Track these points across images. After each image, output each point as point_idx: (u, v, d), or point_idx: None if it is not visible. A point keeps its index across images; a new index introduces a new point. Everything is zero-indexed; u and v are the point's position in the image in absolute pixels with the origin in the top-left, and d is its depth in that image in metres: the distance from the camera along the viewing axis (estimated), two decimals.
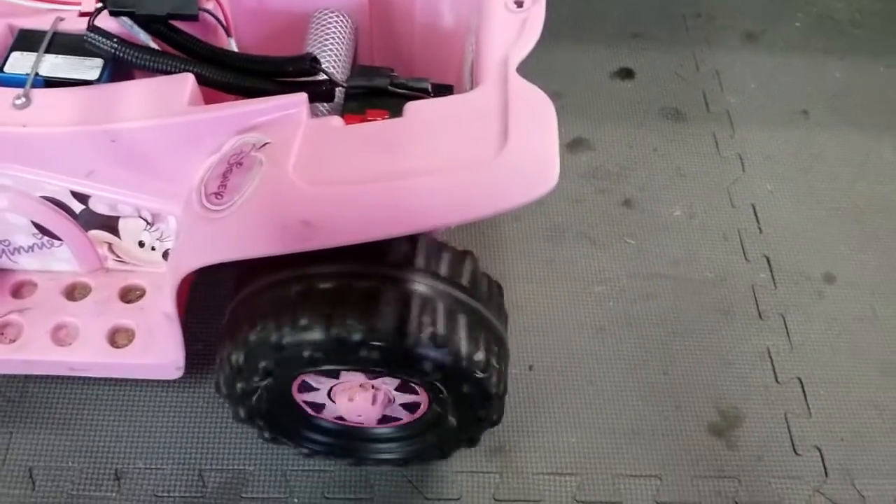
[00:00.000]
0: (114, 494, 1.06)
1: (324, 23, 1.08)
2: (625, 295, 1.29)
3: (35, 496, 1.05)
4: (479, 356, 0.84)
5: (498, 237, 1.33)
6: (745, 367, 1.23)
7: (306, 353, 0.82)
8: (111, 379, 1.12)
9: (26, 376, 1.13)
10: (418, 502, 1.08)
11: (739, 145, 1.50)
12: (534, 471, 1.11)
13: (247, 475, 1.08)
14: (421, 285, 0.83)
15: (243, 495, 1.07)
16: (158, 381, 1.13)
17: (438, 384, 0.86)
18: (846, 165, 1.49)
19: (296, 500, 1.07)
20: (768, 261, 1.35)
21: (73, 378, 1.13)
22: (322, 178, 0.78)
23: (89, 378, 1.12)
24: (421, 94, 0.98)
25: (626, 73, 1.59)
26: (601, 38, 1.63)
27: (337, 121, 0.87)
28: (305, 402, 0.99)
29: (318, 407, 0.99)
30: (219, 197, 0.81)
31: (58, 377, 1.12)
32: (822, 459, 1.15)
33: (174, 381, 1.12)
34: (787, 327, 1.28)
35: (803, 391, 1.21)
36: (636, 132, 1.49)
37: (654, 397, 1.19)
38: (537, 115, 0.81)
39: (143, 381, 1.13)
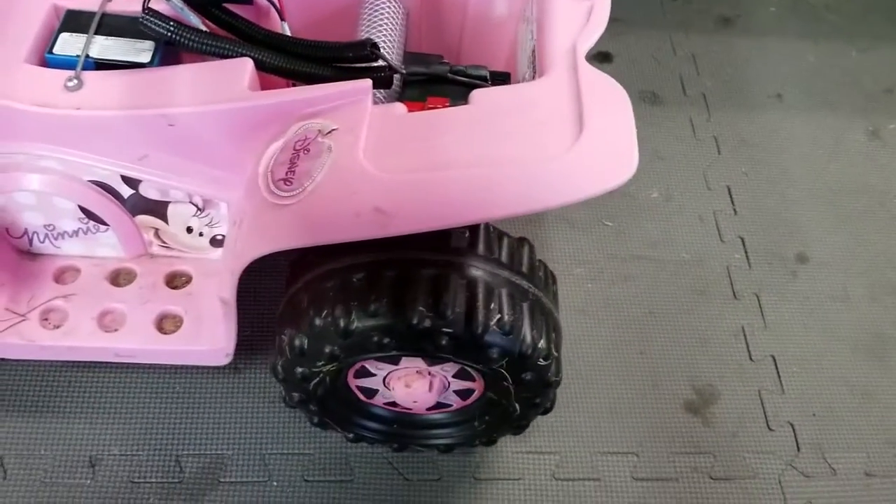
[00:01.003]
0: (88, 481, 1.05)
1: (376, 8, 1.06)
2: (603, 276, 1.30)
3: (7, 485, 1.04)
4: (543, 344, 0.84)
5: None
6: (720, 345, 1.24)
7: (374, 339, 0.81)
8: (83, 364, 1.11)
9: None
10: (399, 483, 1.08)
11: (715, 128, 1.51)
12: (514, 449, 1.11)
13: (225, 459, 1.08)
14: (484, 272, 0.83)
15: (221, 480, 1.06)
16: (131, 366, 1.12)
17: (502, 371, 0.86)
18: (819, 148, 1.51)
19: (275, 484, 1.06)
20: (743, 242, 1.37)
21: (44, 363, 1.11)
22: (394, 165, 0.77)
23: (60, 363, 1.11)
24: (480, 81, 0.97)
25: (605, 57, 1.59)
26: None
27: (401, 108, 0.85)
28: (359, 388, 0.98)
29: (371, 392, 0.99)
30: (288, 183, 0.79)
31: (23, 363, 1.11)
32: (795, 434, 1.17)
33: (149, 366, 1.12)
34: (761, 306, 1.29)
35: (777, 369, 1.23)
36: None
37: (632, 376, 1.20)
38: (612, 103, 0.79)
39: (116, 365, 1.11)
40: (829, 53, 1.67)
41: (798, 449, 1.16)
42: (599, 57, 1.58)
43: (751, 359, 1.23)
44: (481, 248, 0.85)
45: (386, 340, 0.82)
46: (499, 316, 0.81)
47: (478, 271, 0.83)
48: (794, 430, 1.17)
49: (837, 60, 1.66)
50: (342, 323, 0.80)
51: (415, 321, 0.79)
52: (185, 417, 1.11)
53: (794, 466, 1.14)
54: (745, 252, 1.35)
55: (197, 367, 1.11)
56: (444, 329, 0.80)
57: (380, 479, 1.08)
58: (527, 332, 0.83)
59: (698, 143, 1.48)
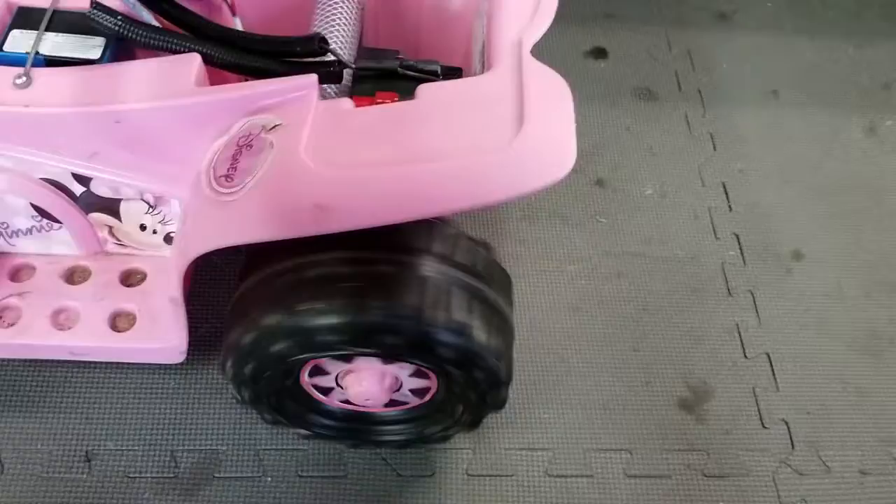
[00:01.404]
0: (84, 476, 1.05)
1: (331, 3, 1.06)
2: (597, 273, 1.30)
3: (4, 479, 1.04)
4: (494, 343, 0.84)
5: (471, 217, 1.33)
6: (714, 343, 1.24)
7: (323, 338, 0.81)
8: (78, 361, 1.11)
9: None
10: (392, 479, 1.08)
11: (711, 125, 1.51)
12: (506, 446, 1.12)
13: (220, 455, 1.08)
14: (437, 271, 0.83)
15: (216, 475, 1.07)
16: (127, 364, 1.12)
17: (453, 369, 0.86)
18: (815, 145, 1.51)
19: (269, 479, 1.07)
20: (738, 239, 1.37)
21: (40, 361, 1.11)
22: (335, 160, 0.77)
23: (56, 361, 1.11)
24: (431, 76, 0.97)
25: (600, 53, 1.59)
26: (575, 17, 1.63)
27: (347, 103, 0.85)
28: (314, 387, 0.98)
29: (326, 391, 0.99)
30: (229, 180, 0.80)
31: (22, 360, 1.11)
32: (789, 432, 1.17)
33: (144, 363, 1.12)
34: (755, 304, 1.29)
35: (771, 366, 1.23)
36: (609, 111, 1.49)
37: (625, 374, 1.20)
38: (553, 99, 0.80)
39: (111, 363, 1.12)
40: (825, 50, 1.66)
41: (792, 446, 1.16)
42: (594, 53, 1.57)
43: (745, 356, 1.24)
44: (437, 247, 0.85)
45: (335, 339, 0.81)
46: (450, 315, 0.80)
47: (431, 270, 0.83)
48: (788, 427, 1.17)
49: (834, 57, 1.65)
50: (289, 321, 0.80)
51: (366, 319, 0.79)
52: (181, 413, 1.11)
53: (788, 464, 1.14)
54: (740, 249, 1.35)
55: (191, 364, 1.11)
56: (395, 327, 0.80)
57: (373, 474, 1.08)
58: (479, 332, 0.82)
59: (693, 139, 1.48)
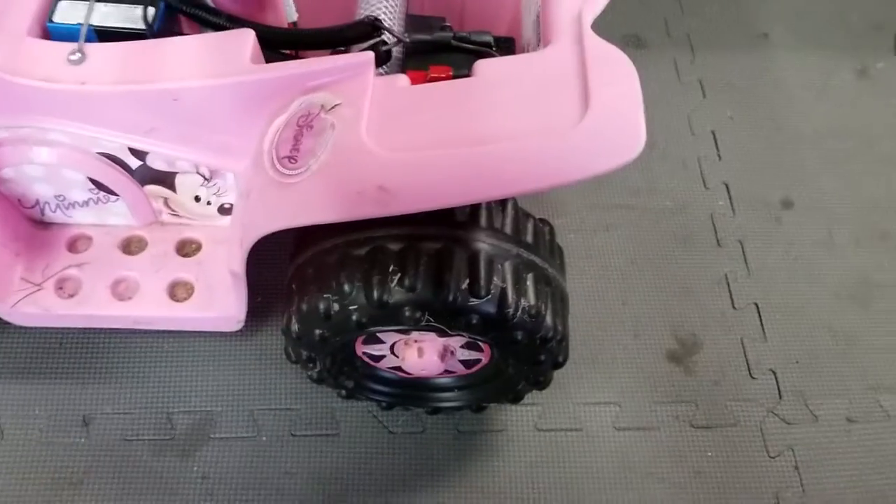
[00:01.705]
0: (83, 440, 1.07)
1: None
2: (584, 226, 1.30)
3: (4, 444, 1.06)
4: (560, 326, 0.86)
5: None
6: (702, 294, 1.25)
7: (407, 313, 0.81)
8: (72, 328, 1.12)
9: None
10: (383, 436, 1.10)
11: (700, 71, 1.49)
12: None
13: (214, 416, 1.10)
14: (512, 253, 0.84)
15: (212, 436, 1.09)
16: (121, 328, 1.12)
17: (519, 350, 0.87)
18: (806, 89, 1.49)
19: (264, 439, 1.09)
20: (727, 188, 1.36)
21: (33, 328, 1.12)
22: (397, 142, 0.76)
23: (49, 327, 1.12)
24: (484, 49, 0.95)
25: None
26: None
27: (403, 80, 0.84)
28: (366, 354, 1.00)
29: (378, 358, 1.01)
30: (292, 161, 0.79)
31: (16, 327, 1.11)
32: (777, 382, 1.18)
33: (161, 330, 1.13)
34: (744, 254, 1.29)
35: (759, 316, 1.24)
36: None
37: (614, 327, 1.21)
38: (618, 77, 0.76)
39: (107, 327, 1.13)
40: None
41: (780, 396, 1.17)
42: None
43: (734, 307, 1.24)
44: (509, 228, 0.86)
45: (418, 315, 0.82)
46: (526, 300, 0.82)
47: (508, 252, 0.84)
48: (776, 377, 1.19)
49: None
50: (377, 293, 0.80)
51: (451, 299, 0.80)
52: (176, 376, 1.12)
53: (775, 413, 1.16)
54: (730, 198, 1.35)
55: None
56: (478, 309, 0.80)
57: (365, 432, 1.10)
58: (549, 314, 0.84)
59: (683, 86, 1.46)
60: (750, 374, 1.19)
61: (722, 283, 1.26)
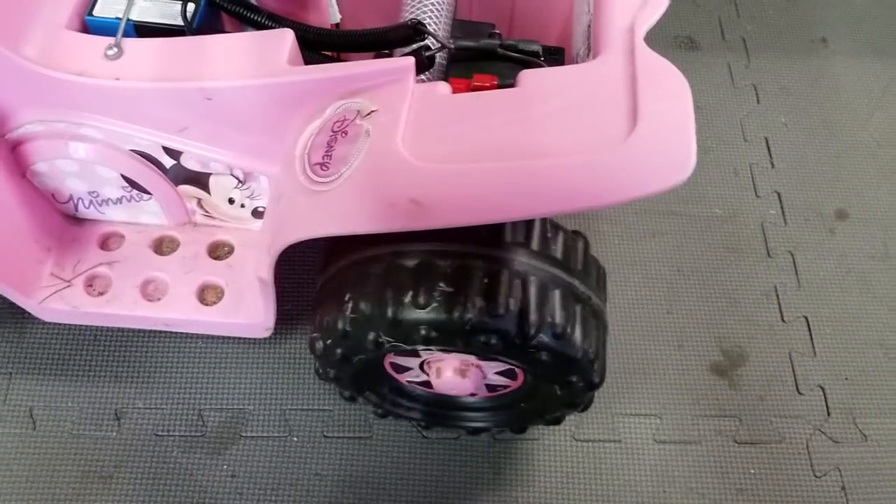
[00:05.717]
0: (114, 434, 1.07)
1: None
2: (631, 233, 1.26)
3: (36, 435, 1.06)
4: (591, 348, 0.82)
5: None
6: (750, 305, 1.21)
7: (422, 332, 0.79)
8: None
9: (25, 317, 1.12)
10: (417, 441, 1.08)
11: (755, 75, 1.44)
12: None
13: (246, 414, 1.09)
14: (537, 269, 0.80)
15: (243, 434, 1.08)
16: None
17: (548, 371, 0.84)
18: (864, 97, 1.44)
19: (295, 439, 1.08)
20: (779, 197, 1.31)
21: (61, 323, 1.12)
22: (433, 153, 0.73)
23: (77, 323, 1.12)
24: (532, 58, 0.92)
25: None
26: None
27: (444, 87, 0.81)
28: (392, 366, 0.97)
29: (404, 370, 0.98)
30: (324, 168, 0.77)
31: (50, 322, 1.12)
32: (825, 398, 1.14)
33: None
34: (795, 265, 1.25)
35: (809, 330, 1.19)
36: None
37: (657, 336, 1.17)
38: (670, 93, 0.72)
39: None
40: None
41: (828, 413, 1.13)
42: None
43: (782, 320, 1.20)
44: (535, 243, 0.82)
45: (433, 335, 0.79)
46: (551, 319, 0.78)
47: (531, 268, 0.80)
48: (824, 393, 1.14)
49: (887, 2, 1.56)
50: (390, 312, 0.78)
51: (466, 318, 0.76)
52: (209, 374, 1.12)
53: (822, 431, 1.11)
54: (781, 207, 1.30)
55: None
56: (496, 328, 0.77)
57: (398, 436, 1.08)
58: (578, 337, 0.80)
59: (736, 91, 1.42)
60: (797, 389, 1.14)
61: (771, 294, 1.22)
